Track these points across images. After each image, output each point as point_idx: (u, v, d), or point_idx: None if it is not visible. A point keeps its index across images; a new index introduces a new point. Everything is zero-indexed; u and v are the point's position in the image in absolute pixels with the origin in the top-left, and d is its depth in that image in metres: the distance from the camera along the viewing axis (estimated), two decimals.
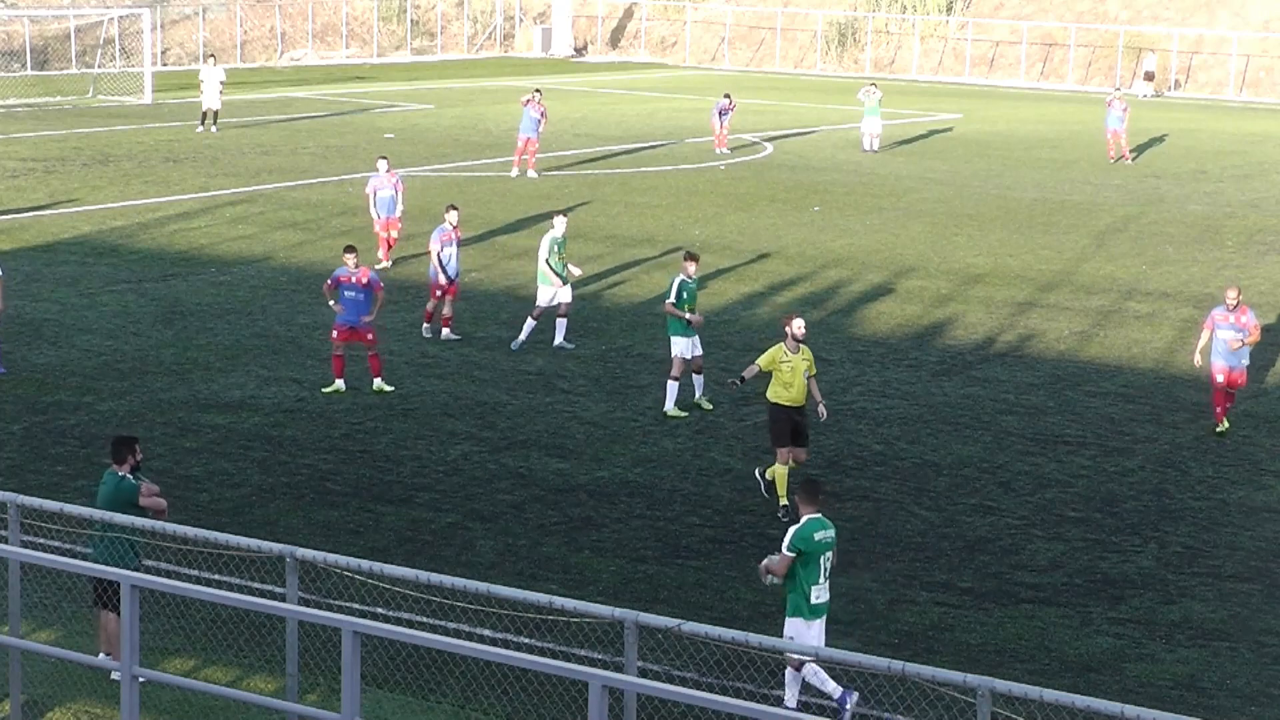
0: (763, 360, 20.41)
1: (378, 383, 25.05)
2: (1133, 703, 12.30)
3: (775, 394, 20.22)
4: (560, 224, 28.23)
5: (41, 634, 15.74)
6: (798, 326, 20.18)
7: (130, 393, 24.67)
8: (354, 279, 24.93)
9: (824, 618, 14.76)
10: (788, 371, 20.12)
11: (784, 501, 19.86)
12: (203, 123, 54.98)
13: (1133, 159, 53.76)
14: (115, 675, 14.65)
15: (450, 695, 14.85)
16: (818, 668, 14.52)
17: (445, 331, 28.50)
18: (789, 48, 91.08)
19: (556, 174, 47.99)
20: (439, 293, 28.36)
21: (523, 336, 27.82)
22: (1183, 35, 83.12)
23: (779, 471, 20.10)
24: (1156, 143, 58.65)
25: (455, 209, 29.14)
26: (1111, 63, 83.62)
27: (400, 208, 34.30)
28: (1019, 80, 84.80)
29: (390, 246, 34.37)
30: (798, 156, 53.37)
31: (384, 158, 35.05)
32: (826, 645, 14.59)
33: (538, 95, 48.08)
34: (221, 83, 54.80)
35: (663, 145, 55.06)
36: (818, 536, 14.55)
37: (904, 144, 57.31)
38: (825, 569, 14.63)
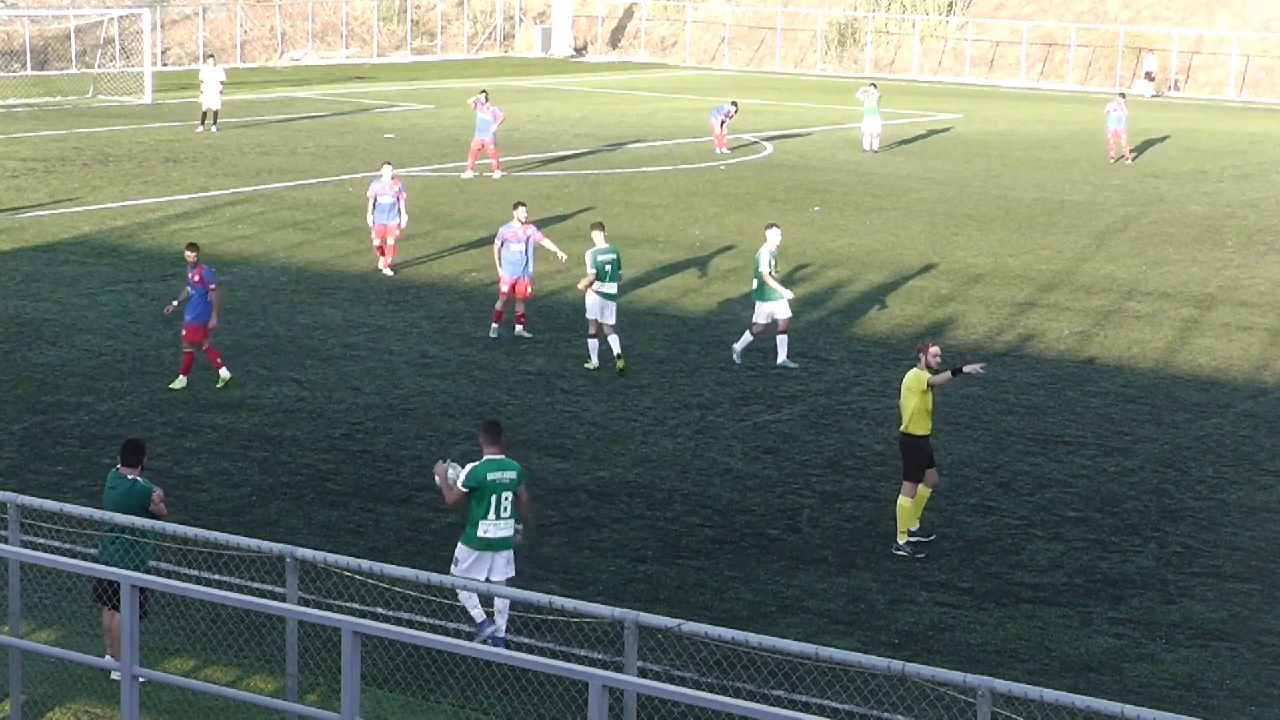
0: (918, 385, 19.12)
1: (181, 379, 24.90)
2: (1133, 703, 12.30)
3: (922, 425, 19.09)
4: (774, 236, 27.07)
5: (41, 634, 15.74)
6: (934, 354, 19.22)
7: (130, 393, 24.67)
8: (192, 277, 24.86)
9: (503, 552, 15.83)
10: (929, 400, 19.22)
11: (904, 535, 19.25)
12: (202, 123, 54.94)
13: (1133, 159, 53.69)
14: (115, 675, 14.65)
15: (450, 695, 14.85)
16: (474, 597, 15.69)
17: (518, 328, 28.54)
18: (789, 48, 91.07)
19: (557, 174, 48.00)
20: (505, 290, 28.33)
21: (739, 347, 27.13)
22: (1183, 35, 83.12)
23: (907, 504, 19.23)
24: (1157, 143, 58.61)
25: (523, 205, 29.03)
26: (1111, 63, 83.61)
27: (404, 216, 33.10)
28: (1019, 80, 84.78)
29: (385, 253, 33.26)
30: (798, 156, 53.35)
31: (388, 163, 34.07)
32: (826, 645, 14.58)
33: (484, 96, 47.00)
34: (221, 83, 54.75)
35: (663, 145, 55.05)
36: (490, 476, 15.76)
37: (904, 144, 57.30)
38: (500, 507, 15.77)
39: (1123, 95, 56.54)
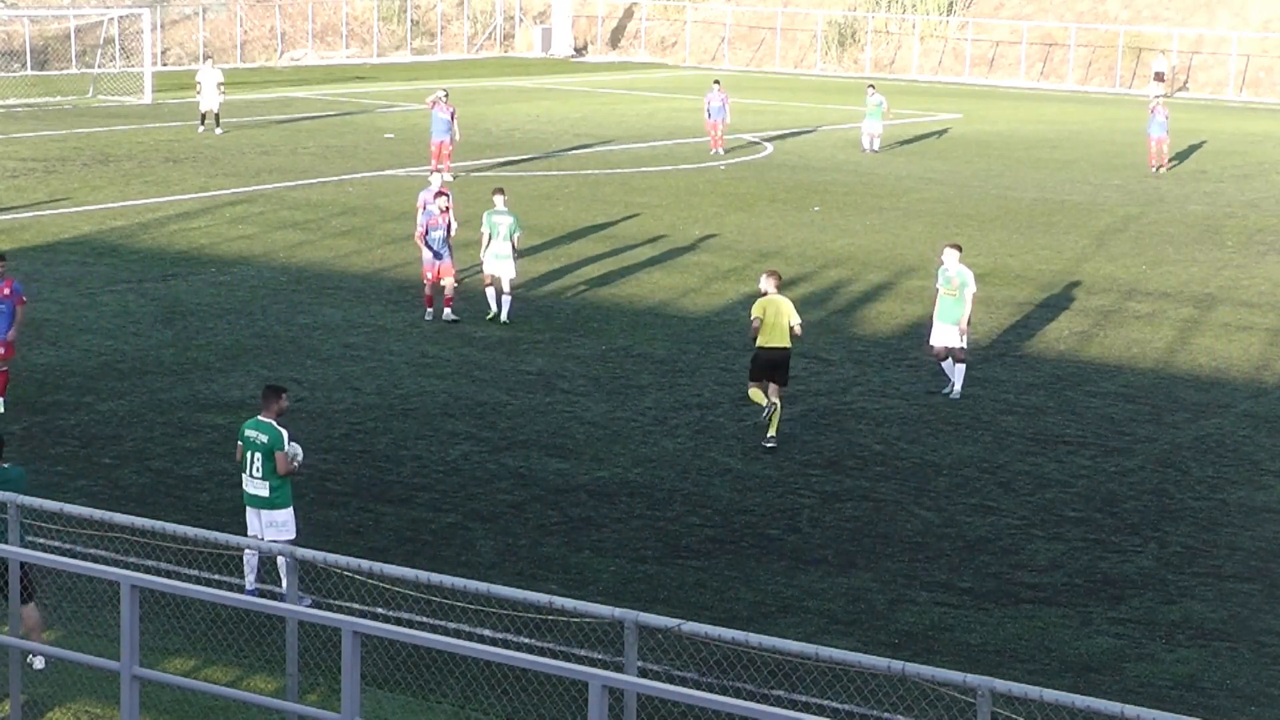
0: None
1: None
2: (1133, 703, 12.30)
3: (765, 339, 22.95)
4: (946, 256, 25.54)
5: (41, 634, 15.72)
6: (767, 275, 23.22)
7: (130, 393, 24.67)
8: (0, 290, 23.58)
9: (258, 510, 16.69)
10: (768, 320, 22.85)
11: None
12: (202, 123, 54.82)
13: (1170, 168, 52.32)
14: (38, 664, 14.82)
15: (450, 695, 14.85)
16: (253, 557, 16.58)
17: (446, 311, 29.50)
18: (789, 48, 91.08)
19: (557, 174, 48.01)
20: (430, 277, 29.60)
21: (957, 384, 25.52)
22: (1183, 35, 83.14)
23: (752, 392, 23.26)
24: (1180, 147, 58.44)
25: (445, 194, 30.10)
26: (1111, 63, 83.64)
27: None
28: (1019, 80, 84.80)
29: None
30: (798, 156, 53.36)
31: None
32: (826, 645, 14.59)
33: (444, 95, 46.01)
34: (219, 84, 54.43)
35: (663, 145, 55.05)
36: (247, 434, 16.75)
37: (904, 144, 57.31)
38: (251, 465, 16.66)
39: (1158, 97, 55.62)
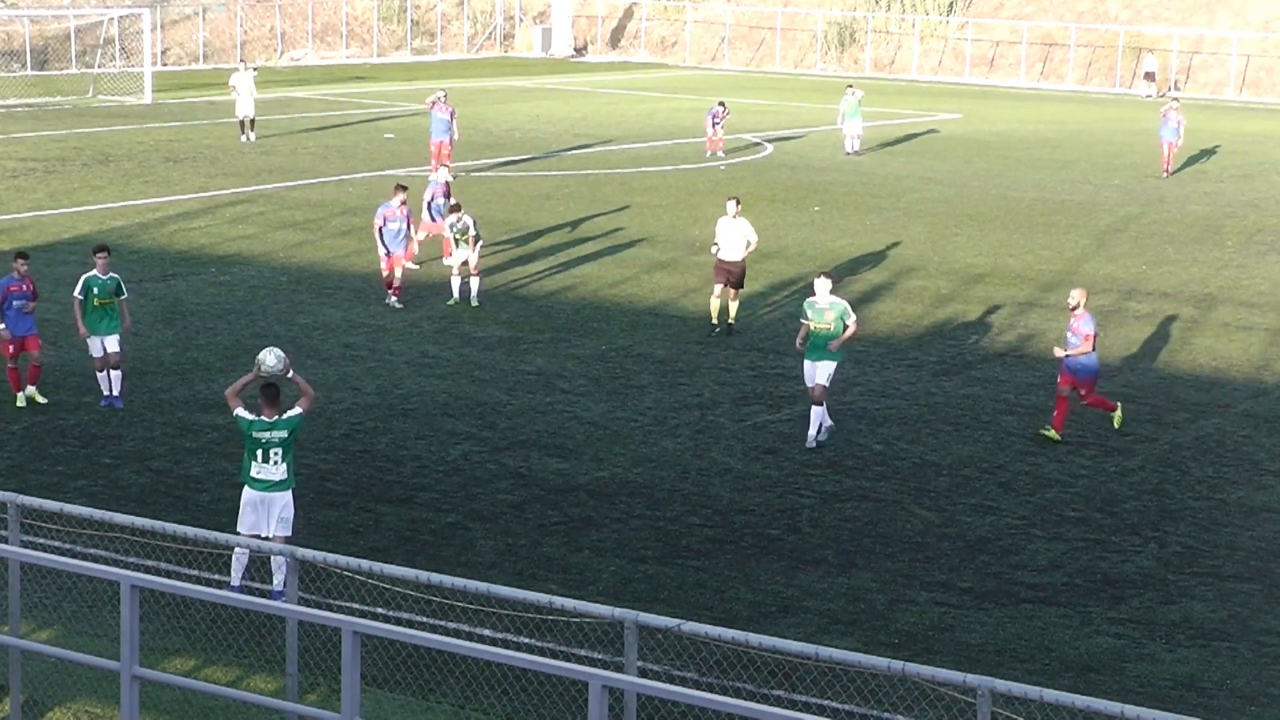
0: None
1: (31, 390, 23.80)
2: (1133, 703, 12.31)
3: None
4: (821, 288, 23.06)
5: (41, 634, 15.74)
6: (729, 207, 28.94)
7: (130, 393, 24.65)
8: (23, 287, 23.72)
9: (273, 493, 16.74)
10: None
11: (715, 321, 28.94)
12: (243, 131, 53.10)
13: (1170, 173, 51.52)
14: None
15: (450, 695, 14.85)
16: (243, 555, 16.62)
17: (394, 299, 30.73)
18: (789, 48, 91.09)
19: (557, 174, 48.02)
20: (387, 266, 30.74)
21: (821, 427, 22.89)
22: (1183, 35, 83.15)
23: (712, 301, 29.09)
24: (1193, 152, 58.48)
25: (404, 188, 31.35)
26: (1111, 63, 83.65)
27: (415, 240, 32.12)
28: (1019, 80, 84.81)
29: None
30: (798, 156, 53.36)
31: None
32: (826, 645, 14.56)
33: (443, 96, 45.75)
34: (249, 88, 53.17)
35: (663, 145, 55.05)
36: (253, 433, 16.82)
37: (903, 144, 57.29)
38: (267, 457, 16.76)
39: (1176, 99, 54.80)
